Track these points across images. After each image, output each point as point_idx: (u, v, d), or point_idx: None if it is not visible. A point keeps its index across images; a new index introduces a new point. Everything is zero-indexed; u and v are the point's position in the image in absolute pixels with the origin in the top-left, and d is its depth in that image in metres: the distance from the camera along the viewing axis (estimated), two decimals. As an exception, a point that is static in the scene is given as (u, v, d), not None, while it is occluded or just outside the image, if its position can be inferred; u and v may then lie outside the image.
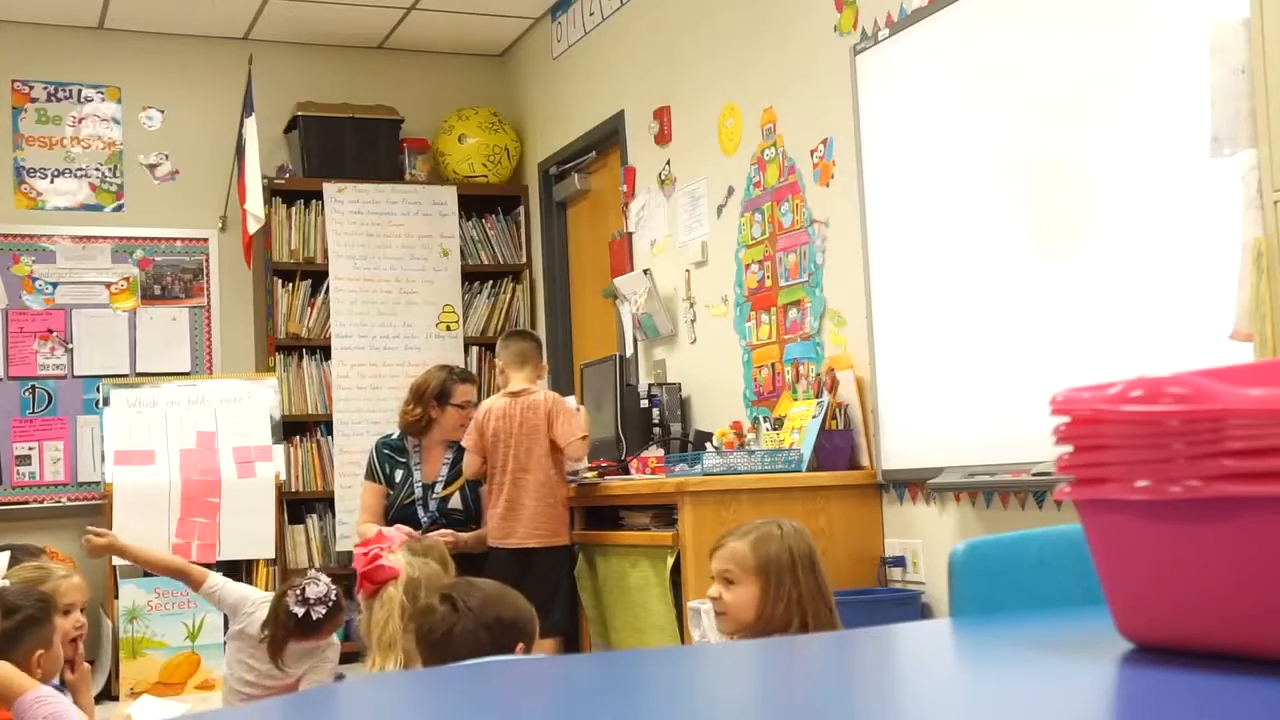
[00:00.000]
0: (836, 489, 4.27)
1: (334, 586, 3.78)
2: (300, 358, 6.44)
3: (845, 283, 4.45)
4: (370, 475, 5.12)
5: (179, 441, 5.94)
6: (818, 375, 4.54)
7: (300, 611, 3.68)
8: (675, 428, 5.22)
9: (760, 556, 2.82)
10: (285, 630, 3.71)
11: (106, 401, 6.03)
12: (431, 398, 5.01)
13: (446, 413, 4.99)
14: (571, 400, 5.15)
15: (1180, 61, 3.16)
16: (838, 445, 4.36)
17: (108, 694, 5.53)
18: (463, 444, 4.91)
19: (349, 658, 4.36)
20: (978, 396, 3.84)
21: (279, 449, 6.07)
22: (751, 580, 2.81)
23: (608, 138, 6.14)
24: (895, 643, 1.13)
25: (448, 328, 6.61)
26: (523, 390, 4.80)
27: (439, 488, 5.00)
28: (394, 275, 6.52)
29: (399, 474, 5.05)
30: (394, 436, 5.15)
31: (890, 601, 4.06)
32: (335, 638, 3.90)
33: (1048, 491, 3.58)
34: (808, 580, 2.78)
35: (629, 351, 5.70)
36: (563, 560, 4.74)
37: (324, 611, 3.71)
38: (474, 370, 6.57)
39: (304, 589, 3.71)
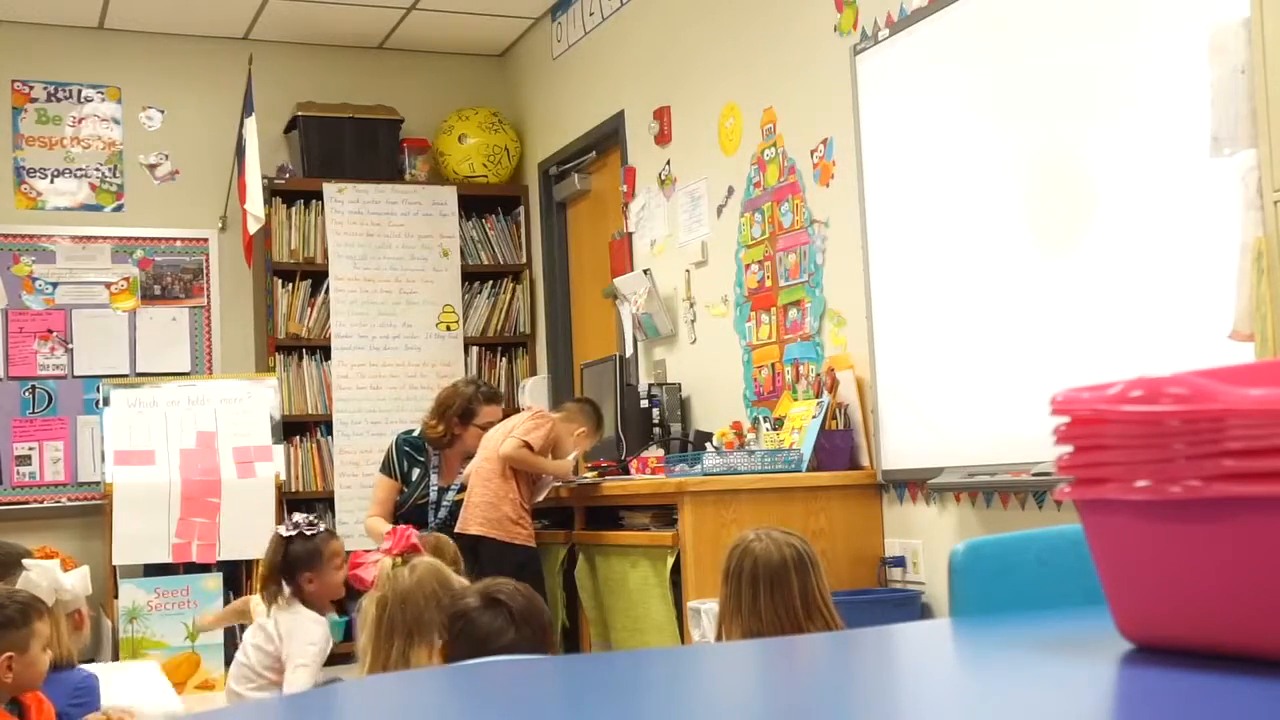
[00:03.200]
0: (836, 489, 4.27)
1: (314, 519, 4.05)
2: (300, 358, 6.44)
3: (845, 283, 4.45)
4: (386, 469, 5.14)
5: (179, 441, 5.94)
6: (818, 375, 4.54)
7: (293, 533, 3.91)
8: (675, 428, 5.22)
9: (724, 566, 2.88)
10: (286, 561, 3.91)
11: (106, 401, 6.03)
12: (455, 416, 5.02)
13: (469, 432, 5.00)
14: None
15: (1180, 61, 3.17)
16: (838, 445, 4.36)
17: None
18: None
19: (341, 658, 4.37)
20: (978, 396, 3.84)
21: (279, 449, 6.07)
22: (722, 588, 2.88)
23: (608, 138, 6.14)
24: (895, 643, 1.13)
25: (448, 328, 6.61)
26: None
27: (452, 493, 5.02)
28: (394, 275, 6.52)
29: (416, 473, 5.07)
30: (415, 434, 5.15)
31: (890, 601, 4.06)
32: (319, 615, 3.95)
33: (1048, 491, 3.58)
34: (772, 597, 2.79)
35: (629, 351, 5.70)
36: (515, 558, 4.60)
37: (319, 528, 3.96)
38: (476, 373, 6.58)
39: (290, 522, 3.99)
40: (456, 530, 4.70)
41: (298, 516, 4.23)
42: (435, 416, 5.06)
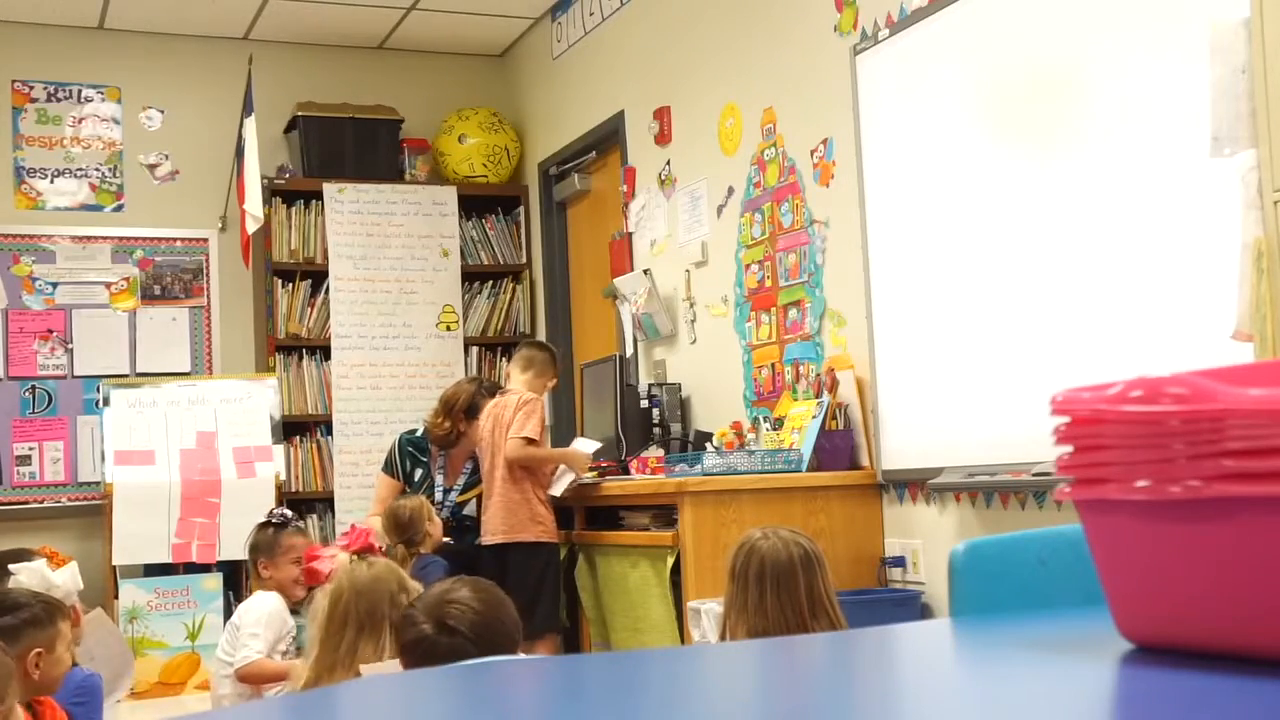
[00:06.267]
0: (836, 489, 4.27)
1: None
2: (300, 358, 6.44)
3: (845, 283, 4.45)
4: (388, 469, 5.15)
5: (179, 441, 5.94)
6: (818, 375, 4.54)
7: (262, 520, 4.29)
8: (675, 428, 5.22)
9: (730, 564, 2.88)
10: (250, 548, 4.25)
11: (106, 401, 6.03)
12: (460, 412, 5.02)
13: (474, 427, 4.99)
14: (583, 444, 5.04)
15: (1180, 61, 3.17)
16: (838, 445, 4.36)
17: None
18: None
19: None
20: (978, 396, 3.84)
21: (279, 449, 6.07)
22: (728, 585, 2.89)
23: (608, 138, 6.14)
24: (895, 643, 1.13)
25: (448, 328, 6.61)
26: (508, 390, 4.89)
27: (455, 493, 5.02)
28: (394, 275, 6.52)
29: (419, 473, 5.07)
30: (418, 434, 5.15)
31: (890, 601, 4.06)
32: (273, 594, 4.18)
33: (1048, 491, 3.58)
34: (778, 595, 2.79)
35: (629, 351, 5.70)
36: (539, 558, 4.68)
37: (287, 520, 4.30)
38: (476, 372, 6.59)
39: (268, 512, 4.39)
40: (485, 543, 4.74)
41: (275, 508, 4.55)
42: (441, 415, 5.06)
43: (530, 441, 4.67)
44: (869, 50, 4.30)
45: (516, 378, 4.93)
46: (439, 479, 5.06)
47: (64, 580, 3.29)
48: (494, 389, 5.16)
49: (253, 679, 3.92)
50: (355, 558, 3.11)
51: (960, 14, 3.92)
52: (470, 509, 5.02)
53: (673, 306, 5.52)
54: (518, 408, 4.75)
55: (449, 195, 6.71)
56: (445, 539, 4.69)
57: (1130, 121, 3.36)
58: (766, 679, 0.98)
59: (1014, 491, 3.75)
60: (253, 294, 6.56)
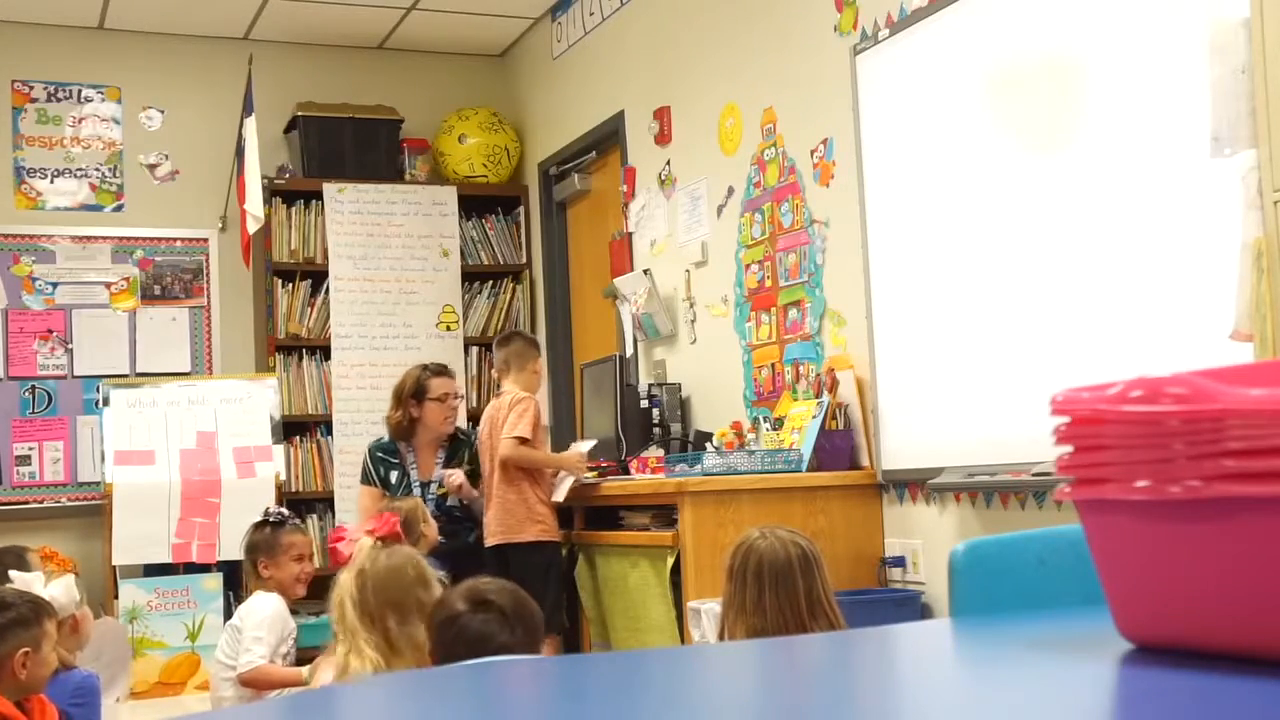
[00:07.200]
0: (836, 489, 4.27)
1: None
2: (300, 358, 6.44)
3: (845, 283, 4.45)
4: (365, 479, 5.18)
5: (179, 441, 5.94)
6: (818, 375, 4.54)
7: (259, 519, 4.21)
8: (675, 428, 5.22)
9: (728, 563, 2.89)
10: (247, 547, 4.17)
11: (106, 401, 6.03)
12: (409, 397, 5.06)
13: (426, 408, 5.03)
14: (583, 445, 5.07)
15: (1180, 61, 3.17)
16: (838, 445, 4.36)
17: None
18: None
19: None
20: (978, 396, 3.84)
21: (279, 449, 6.07)
22: (725, 585, 2.89)
23: (608, 138, 6.14)
24: (895, 643, 1.13)
25: (448, 328, 6.61)
26: (503, 392, 4.96)
27: (435, 486, 5.04)
28: (394, 275, 6.52)
29: (394, 475, 5.08)
30: (385, 439, 5.18)
31: (890, 601, 4.06)
32: (274, 595, 4.12)
33: (1048, 491, 3.58)
34: (777, 595, 2.79)
35: (629, 351, 5.70)
36: (541, 557, 4.72)
37: (285, 519, 4.23)
38: (475, 371, 6.59)
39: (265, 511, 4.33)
40: (487, 544, 4.77)
41: (271, 506, 4.51)
42: (393, 405, 5.13)
43: (522, 441, 4.71)
44: (869, 50, 4.30)
45: (505, 383, 5.01)
46: (413, 475, 5.08)
47: (57, 594, 3.26)
48: (440, 369, 5.19)
49: (257, 685, 3.91)
50: (377, 544, 3.19)
51: (960, 14, 3.92)
52: (453, 500, 5.05)
53: (673, 306, 5.52)
54: (509, 408, 4.80)
55: (449, 195, 6.71)
56: (440, 539, 4.71)
57: (1130, 121, 3.36)
58: (766, 679, 0.98)
59: (1014, 491, 3.75)
60: (253, 294, 6.56)
